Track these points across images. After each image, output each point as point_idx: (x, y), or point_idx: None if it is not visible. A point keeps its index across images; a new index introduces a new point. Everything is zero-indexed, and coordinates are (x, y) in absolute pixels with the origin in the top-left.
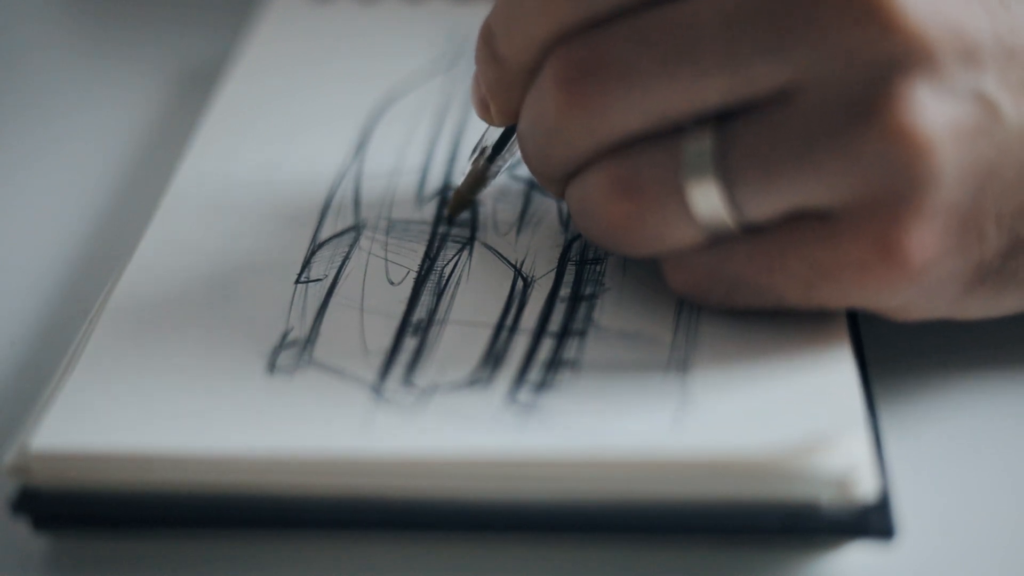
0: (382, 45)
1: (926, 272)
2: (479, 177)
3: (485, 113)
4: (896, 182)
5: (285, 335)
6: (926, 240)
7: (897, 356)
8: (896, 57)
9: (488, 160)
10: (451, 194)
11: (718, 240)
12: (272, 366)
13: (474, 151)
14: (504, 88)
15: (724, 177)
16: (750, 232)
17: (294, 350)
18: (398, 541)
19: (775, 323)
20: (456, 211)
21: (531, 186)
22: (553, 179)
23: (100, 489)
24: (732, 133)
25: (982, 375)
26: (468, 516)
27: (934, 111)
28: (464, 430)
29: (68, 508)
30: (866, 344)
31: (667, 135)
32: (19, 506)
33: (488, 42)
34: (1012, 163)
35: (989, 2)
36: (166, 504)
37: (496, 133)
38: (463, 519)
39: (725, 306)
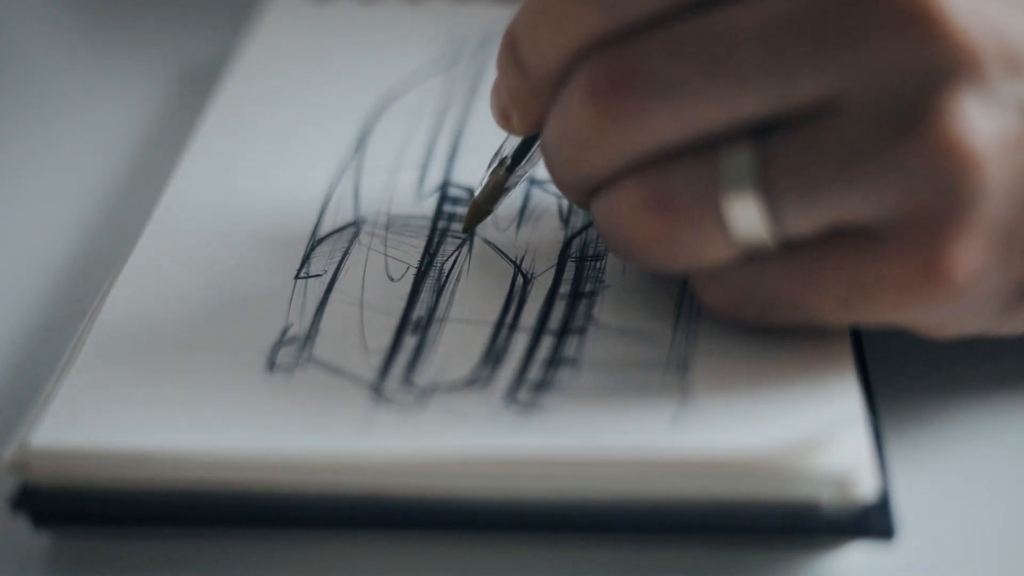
0: (382, 45)
1: (969, 290)
2: (498, 188)
3: (506, 122)
4: (942, 197)
5: (285, 331)
6: (971, 257)
7: (897, 356)
8: (942, 67)
9: (508, 170)
10: (450, 208)
11: (753, 257)
12: (272, 363)
13: (492, 161)
14: (528, 97)
15: (764, 192)
16: (787, 248)
17: (294, 347)
18: (397, 540)
19: None
20: (473, 222)
21: (531, 182)
22: (580, 191)
23: (99, 486)
24: (772, 146)
25: (982, 375)
26: (467, 515)
27: (981, 123)
28: (464, 429)
29: (67, 505)
30: (866, 344)
31: (703, 149)
32: (19, 503)
33: (512, 49)
34: None
35: None
36: (165, 502)
37: (516, 142)
38: (462, 518)
39: (759, 324)
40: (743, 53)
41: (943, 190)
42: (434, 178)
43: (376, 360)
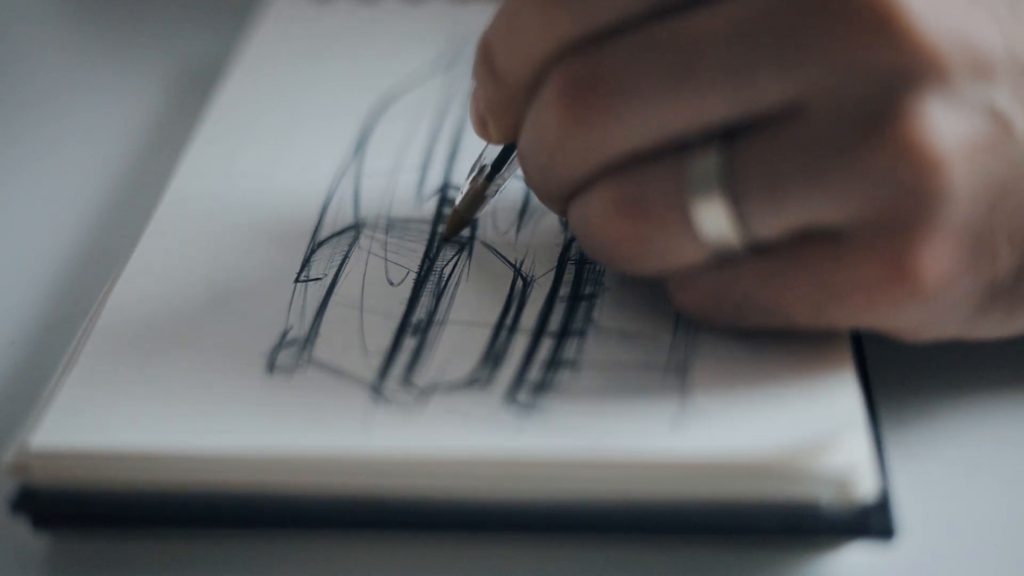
0: (382, 45)
1: (939, 292)
2: (478, 196)
3: (484, 131)
4: (907, 200)
5: (284, 334)
6: (938, 259)
7: (897, 356)
8: (906, 71)
9: (487, 179)
10: (448, 212)
11: (724, 260)
12: (271, 365)
13: (472, 169)
14: (503, 105)
15: (730, 195)
16: (757, 251)
17: (293, 349)
18: (397, 541)
19: None
20: (454, 231)
21: None
22: (555, 197)
23: (99, 488)
24: (738, 150)
25: (982, 375)
26: (467, 516)
27: (945, 126)
28: (463, 430)
29: (67, 507)
30: (865, 344)
31: (671, 152)
32: (19, 505)
33: (487, 58)
34: None
35: (1002, 16)
36: (165, 503)
37: (495, 151)
38: (462, 519)
39: (732, 326)
40: (709, 57)
41: (908, 193)
42: (434, 180)
43: (376, 361)
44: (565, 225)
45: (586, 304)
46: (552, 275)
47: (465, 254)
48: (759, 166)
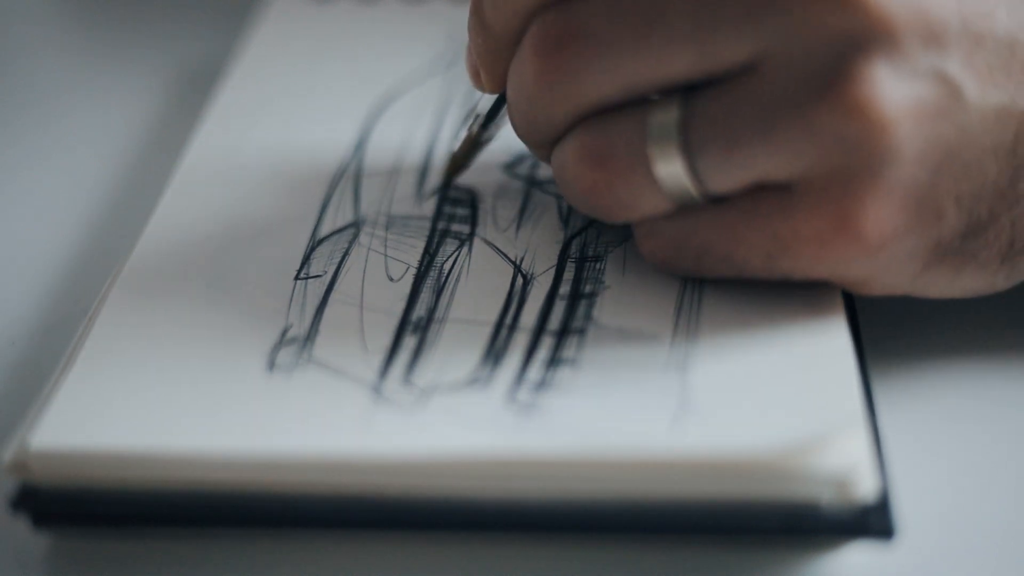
0: (382, 45)
1: (882, 247)
2: (473, 142)
3: (477, 81)
4: (853, 157)
5: (284, 332)
6: (882, 216)
7: (898, 355)
8: (857, 35)
9: (481, 127)
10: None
11: (685, 209)
12: (271, 364)
13: (468, 118)
14: (492, 56)
15: (687, 148)
16: (715, 202)
17: (293, 348)
18: (397, 540)
19: (775, 322)
20: (451, 175)
21: (531, 183)
22: (538, 145)
23: (99, 487)
24: (697, 104)
25: (983, 375)
26: (467, 515)
27: (893, 89)
28: (464, 429)
29: (67, 506)
30: (866, 343)
31: (637, 106)
32: (19, 504)
33: (477, 12)
34: (973, 145)
35: None
36: (165, 502)
37: (490, 101)
38: (462, 518)
39: (693, 273)
40: (672, 16)
41: (854, 151)
42: (434, 179)
43: (376, 360)
44: (566, 223)
45: (586, 302)
46: (552, 273)
47: (465, 250)
48: (714, 121)
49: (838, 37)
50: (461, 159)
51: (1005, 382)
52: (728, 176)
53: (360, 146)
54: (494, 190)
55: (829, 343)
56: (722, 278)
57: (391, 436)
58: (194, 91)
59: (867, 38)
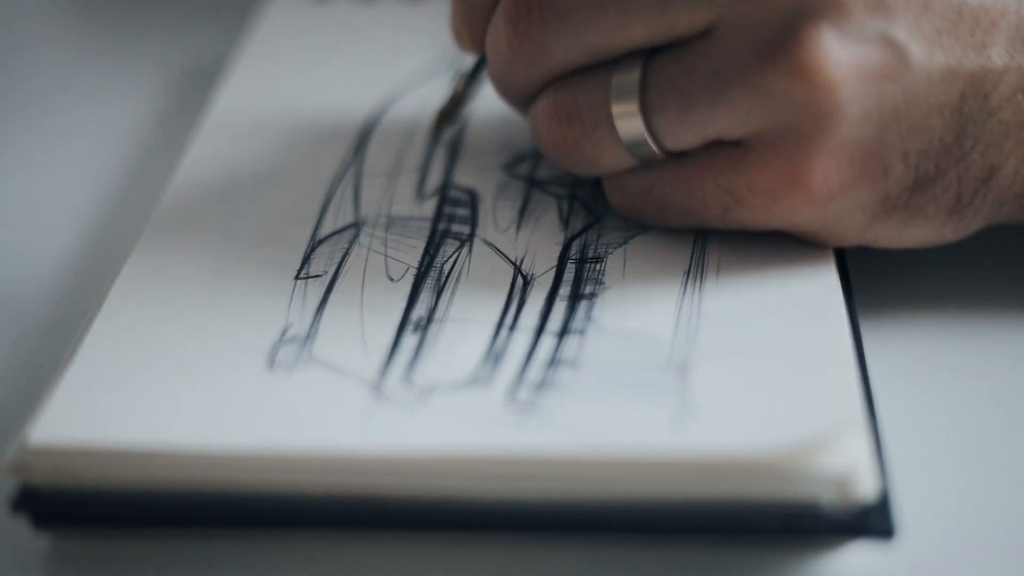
0: (382, 45)
1: (830, 200)
2: (458, 98)
3: (461, 42)
4: (801, 117)
5: (284, 331)
6: (829, 171)
7: (898, 355)
8: (807, 4)
9: (466, 83)
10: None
11: (647, 164)
12: (271, 362)
13: (454, 77)
14: (472, 19)
15: (645, 107)
16: (675, 157)
17: (293, 346)
18: (397, 540)
19: (775, 322)
20: (438, 127)
21: (531, 183)
22: (515, 102)
23: (99, 486)
24: (657, 66)
25: (983, 375)
26: (467, 515)
27: (839, 52)
28: (463, 428)
29: (67, 506)
30: (867, 342)
31: (605, 67)
32: (19, 504)
33: None
34: (920, 104)
35: None
36: (165, 501)
37: (473, 60)
38: (462, 518)
39: (658, 224)
40: None
41: (802, 111)
42: (434, 180)
43: (376, 359)
44: (565, 224)
45: (586, 303)
46: (552, 274)
47: (465, 251)
48: (671, 82)
49: (789, 6)
50: (447, 112)
51: (1007, 380)
52: (685, 134)
53: (360, 146)
54: (494, 191)
55: (829, 343)
56: (685, 228)
57: (391, 435)
58: (194, 91)
59: (816, 6)
